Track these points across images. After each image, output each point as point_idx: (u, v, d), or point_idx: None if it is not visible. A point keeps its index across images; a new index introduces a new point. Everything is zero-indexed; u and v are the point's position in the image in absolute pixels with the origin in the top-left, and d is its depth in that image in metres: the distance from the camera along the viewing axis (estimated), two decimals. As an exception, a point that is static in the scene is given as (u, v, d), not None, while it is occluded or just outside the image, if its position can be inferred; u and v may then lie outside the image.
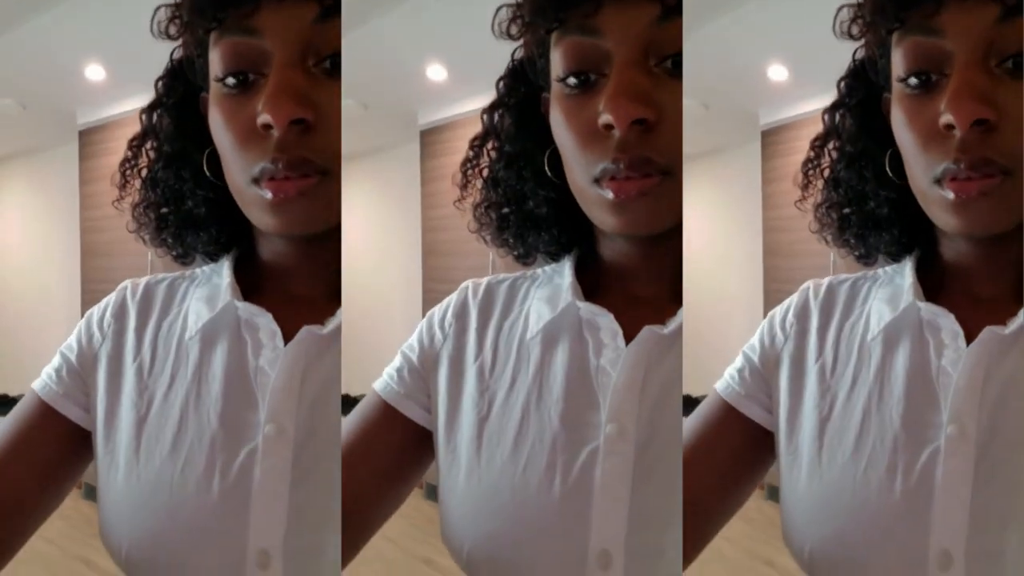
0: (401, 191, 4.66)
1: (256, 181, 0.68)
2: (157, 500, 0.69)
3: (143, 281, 0.78)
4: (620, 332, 0.71)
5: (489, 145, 0.79)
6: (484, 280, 0.79)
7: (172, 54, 0.77)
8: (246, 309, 0.72)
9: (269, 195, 0.67)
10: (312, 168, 0.67)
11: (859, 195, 0.75)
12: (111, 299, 0.79)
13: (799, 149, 4.07)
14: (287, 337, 0.70)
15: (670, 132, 0.67)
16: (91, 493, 4.39)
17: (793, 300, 0.79)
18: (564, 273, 0.76)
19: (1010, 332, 0.66)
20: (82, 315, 0.81)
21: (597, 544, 0.67)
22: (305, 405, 0.69)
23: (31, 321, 4.95)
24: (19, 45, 3.08)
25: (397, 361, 0.79)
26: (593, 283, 0.75)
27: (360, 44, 3.02)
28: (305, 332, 0.70)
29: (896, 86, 0.69)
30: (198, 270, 0.79)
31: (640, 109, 0.65)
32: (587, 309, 0.72)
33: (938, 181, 0.65)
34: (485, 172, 0.79)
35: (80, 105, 3.79)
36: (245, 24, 0.67)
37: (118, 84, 3.50)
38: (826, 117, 0.79)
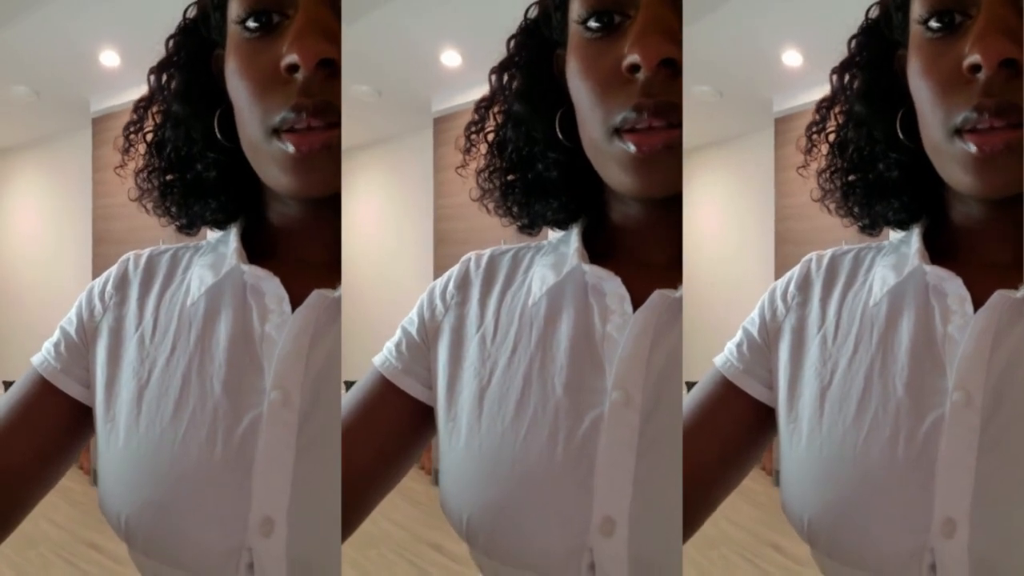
0: (414, 178, 4.65)
1: (276, 133, 0.64)
2: (158, 468, 0.66)
3: (146, 252, 0.76)
4: (628, 297, 0.69)
5: (496, 108, 0.76)
6: (487, 251, 0.77)
7: (185, 12, 0.76)
8: (252, 273, 0.69)
9: (291, 148, 0.63)
10: (338, 117, 0.63)
11: (867, 159, 0.72)
12: (112, 271, 0.77)
13: (813, 137, 4.02)
14: (295, 303, 0.68)
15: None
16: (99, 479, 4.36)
17: (795, 272, 0.78)
18: (571, 240, 0.73)
19: (1022, 296, 0.63)
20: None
21: (600, 511, 0.65)
22: (312, 373, 0.66)
23: (43, 308, 4.96)
24: (33, 32, 3.08)
25: (397, 335, 0.78)
26: (601, 250, 0.73)
27: (374, 30, 3.02)
28: (316, 296, 0.67)
29: (915, 31, 0.65)
30: (203, 241, 0.76)
31: (668, 48, 0.63)
32: (593, 273, 0.69)
33: (958, 132, 0.62)
34: (491, 136, 0.76)
35: (94, 92, 3.79)
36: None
37: (132, 71, 3.50)
38: (834, 78, 0.76)
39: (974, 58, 0.60)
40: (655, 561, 0.64)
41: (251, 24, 0.65)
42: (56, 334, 0.78)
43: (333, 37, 0.62)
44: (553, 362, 0.69)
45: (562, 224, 0.76)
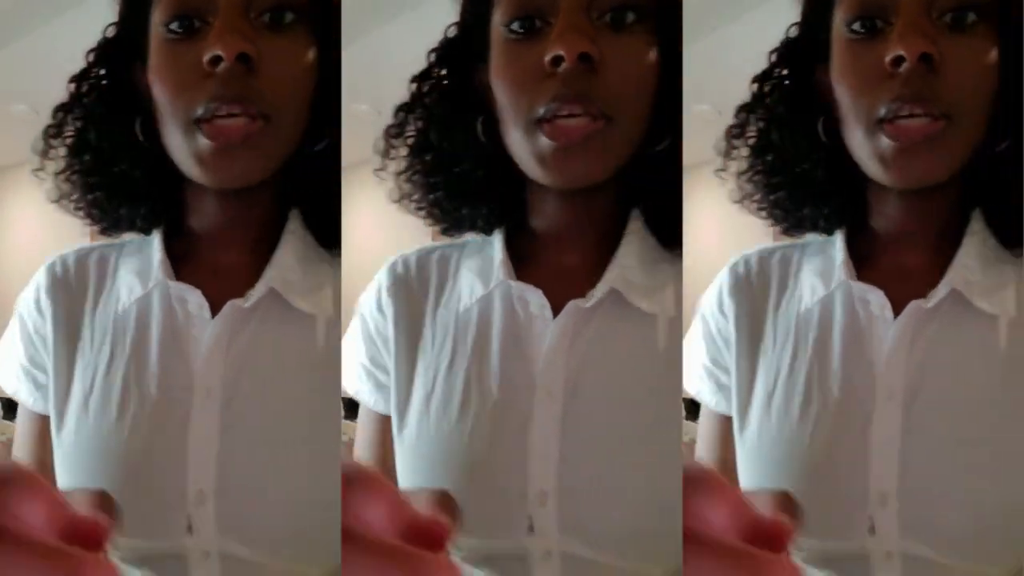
0: (412, 196, 4.66)
1: (197, 124, 0.69)
2: (107, 464, 0.74)
3: (72, 254, 0.82)
4: (548, 305, 0.74)
5: (416, 113, 0.80)
6: (413, 255, 0.83)
7: (105, 31, 0.81)
8: (177, 288, 0.75)
9: (209, 139, 0.69)
10: (255, 110, 0.69)
11: (791, 158, 0.76)
12: (40, 281, 0.82)
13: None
14: (214, 305, 0.75)
15: (615, 79, 0.70)
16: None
17: (724, 280, 0.83)
18: (495, 247, 0.78)
19: (931, 306, 0.72)
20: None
21: (535, 486, 0.73)
22: (233, 368, 0.74)
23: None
24: (32, 51, 3.09)
25: (360, 363, 0.83)
26: (522, 254, 0.78)
27: (373, 49, 3.03)
28: (229, 307, 0.74)
29: (838, 35, 0.72)
30: (126, 238, 0.81)
31: (587, 44, 0.67)
32: (518, 287, 0.76)
33: (880, 123, 0.68)
34: (411, 141, 0.80)
35: (93, 110, 3.81)
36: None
37: (130, 89, 3.52)
38: (754, 86, 0.82)
39: (896, 52, 0.66)
40: (584, 524, 0.73)
41: (174, 27, 0.71)
42: (16, 369, 0.82)
43: (251, 38, 0.68)
44: (488, 367, 0.75)
45: (486, 229, 0.80)
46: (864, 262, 0.76)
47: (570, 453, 0.73)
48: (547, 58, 0.69)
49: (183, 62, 0.70)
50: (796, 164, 0.76)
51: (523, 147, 0.72)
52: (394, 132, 0.81)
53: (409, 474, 0.78)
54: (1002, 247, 0.72)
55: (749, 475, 0.78)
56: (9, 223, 5.25)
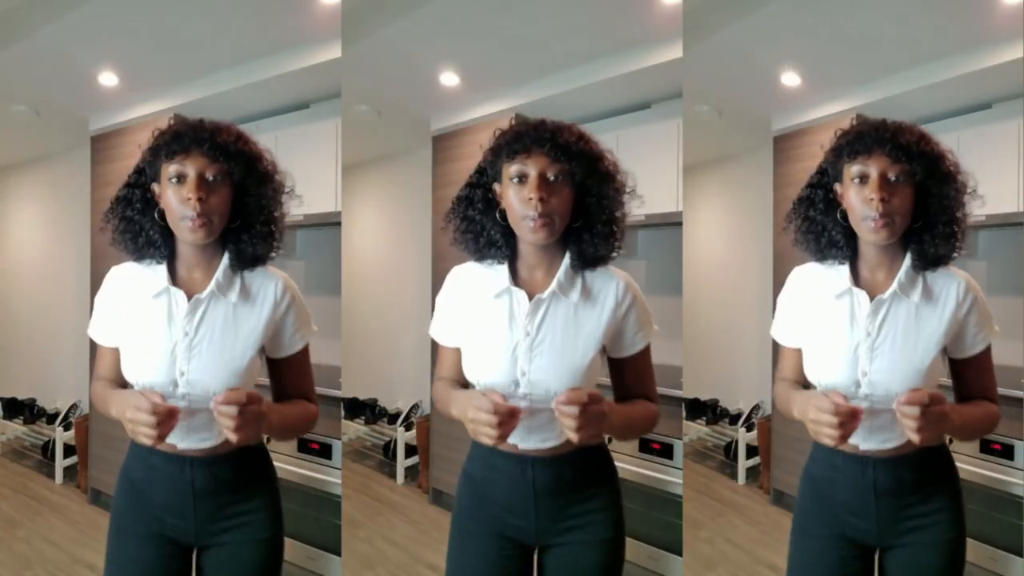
0: (413, 195, 4.67)
1: (184, 219, 1.54)
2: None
3: (122, 267, 1.66)
4: (527, 298, 1.58)
5: (463, 204, 1.62)
6: (464, 266, 1.67)
7: (135, 170, 1.62)
8: (175, 291, 1.60)
9: (190, 224, 1.54)
10: (205, 219, 1.53)
11: (823, 228, 1.63)
12: (110, 275, 1.67)
13: (810, 155, 4.08)
14: (189, 297, 1.60)
15: (556, 204, 1.52)
16: (97, 498, 4.41)
17: (793, 278, 1.70)
18: (505, 270, 1.61)
19: (884, 298, 1.58)
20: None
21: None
22: (192, 329, 1.58)
23: (42, 324, 4.97)
24: (33, 52, 3.10)
25: (440, 320, 1.70)
26: (515, 273, 1.61)
27: (375, 52, 3.03)
28: (194, 300, 1.59)
29: (847, 180, 1.56)
30: (146, 263, 1.63)
31: (544, 193, 1.51)
32: (515, 290, 1.59)
33: (865, 219, 1.53)
34: (462, 215, 1.63)
35: (93, 111, 3.80)
36: (179, 159, 1.54)
37: (130, 91, 3.51)
38: (806, 190, 1.64)
39: (872, 195, 1.52)
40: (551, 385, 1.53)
41: (173, 180, 1.55)
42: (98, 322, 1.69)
43: (204, 189, 1.53)
44: (500, 323, 1.62)
45: (500, 260, 1.62)
46: (856, 278, 1.62)
47: (536, 350, 1.55)
48: (527, 197, 1.52)
49: (178, 195, 1.54)
50: (825, 231, 1.63)
51: (520, 227, 1.56)
52: (452, 210, 1.64)
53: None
54: (916, 270, 1.58)
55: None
56: (9, 223, 5.25)
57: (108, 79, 3.39)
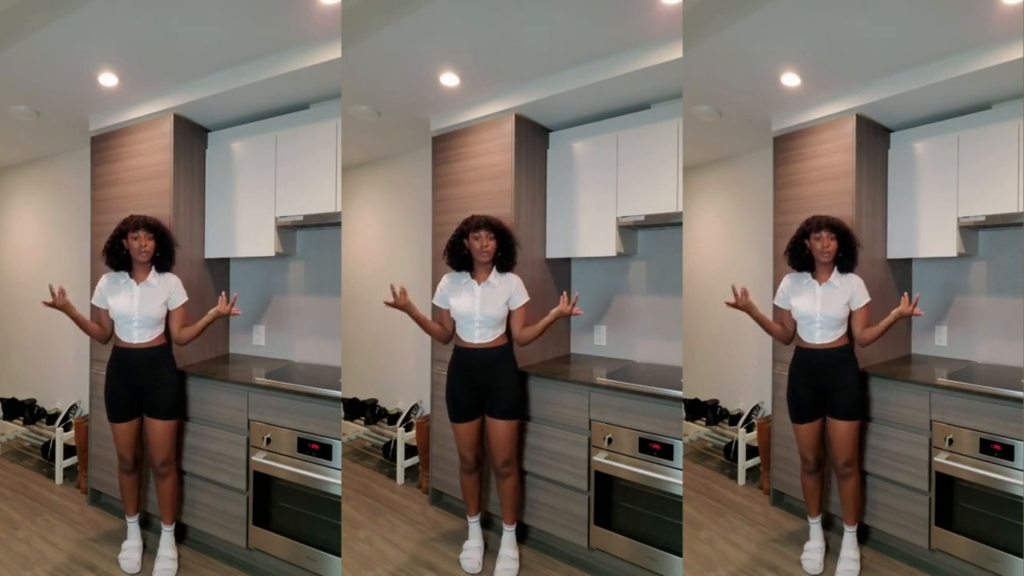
0: (413, 195, 4.68)
1: (139, 253, 3.23)
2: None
3: (107, 276, 3.27)
4: (479, 286, 3.17)
5: (455, 245, 3.17)
6: (449, 273, 3.25)
7: (110, 242, 3.21)
8: (133, 283, 3.23)
9: (142, 259, 3.24)
10: (148, 254, 3.21)
11: (800, 258, 3.21)
12: (101, 279, 3.33)
13: (810, 155, 4.09)
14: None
15: (492, 246, 3.16)
16: (97, 499, 4.40)
17: (787, 278, 3.28)
18: (468, 276, 3.18)
19: (825, 284, 3.19)
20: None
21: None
22: (141, 303, 3.23)
23: (41, 323, 4.98)
24: (34, 53, 3.10)
25: (437, 296, 3.31)
26: (473, 276, 3.19)
27: (375, 53, 3.03)
28: (143, 284, 3.22)
29: (812, 239, 3.17)
30: (122, 272, 3.23)
31: (490, 242, 3.17)
32: (474, 283, 3.18)
33: (819, 255, 3.18)
34: (452, 250, 3.19)
35: (93, 112, 3.80)
36: (134, 234, 3.18)
37: (130, 92, 3.51)
38: (789, 244, 3.23)
39: (822, 247, 3.15)
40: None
41: (133, 236, 3.20)
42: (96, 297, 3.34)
43: (147, 240, 3.18)
44: (464, 300, 3.24)
45: (468, 270, 3.19)
46: (815, 276, 3.22)
47: (484, 317, 3.17)
48: (480, 247, 3.15)
49: (134, 244, 3.16)
50: (801, 259, 3.20)
51: (478, 254, 3.17)
52: (448, 246, 3.18)
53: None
54: (838, 275, 3.19)
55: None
56: (9, 223, 5.26)
57: (108, 79, 3.39)
